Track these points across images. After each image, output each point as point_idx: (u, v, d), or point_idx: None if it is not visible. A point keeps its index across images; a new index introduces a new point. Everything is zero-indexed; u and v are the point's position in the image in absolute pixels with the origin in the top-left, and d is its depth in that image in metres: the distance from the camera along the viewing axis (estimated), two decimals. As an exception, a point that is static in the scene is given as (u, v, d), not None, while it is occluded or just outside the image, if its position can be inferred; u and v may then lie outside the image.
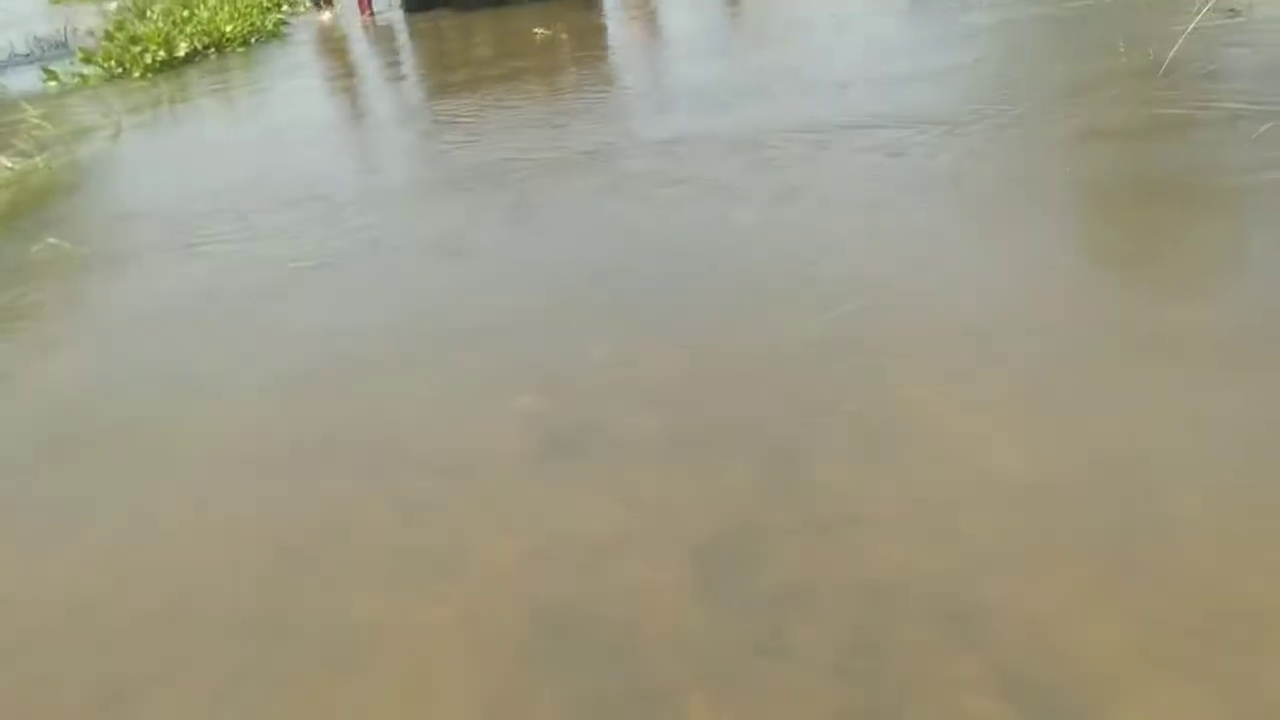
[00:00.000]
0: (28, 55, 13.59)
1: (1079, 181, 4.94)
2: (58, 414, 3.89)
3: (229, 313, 4.65)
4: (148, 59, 10.97)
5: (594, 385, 3.45)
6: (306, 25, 12.81)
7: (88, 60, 11.24)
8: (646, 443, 3.03)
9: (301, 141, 7.63)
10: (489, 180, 5.99)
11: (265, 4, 13.94)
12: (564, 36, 10.40)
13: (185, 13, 12.18)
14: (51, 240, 5.88)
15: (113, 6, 12.53)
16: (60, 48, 13.23)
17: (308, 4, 13.23)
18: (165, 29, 11.54)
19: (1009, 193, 4.84)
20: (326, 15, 12.28)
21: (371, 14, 12.77)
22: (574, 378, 3.52)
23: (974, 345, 3.37)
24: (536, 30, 10.21)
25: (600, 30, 11.03)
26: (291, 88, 9.72)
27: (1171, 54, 5.97)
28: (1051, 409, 2.91)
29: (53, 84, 10.98)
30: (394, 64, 10.62)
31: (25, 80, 11.68)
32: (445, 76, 9.53)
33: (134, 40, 11.25)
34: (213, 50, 11.57)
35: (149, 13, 12.51)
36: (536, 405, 3.37)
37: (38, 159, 7.84)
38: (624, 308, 4.12)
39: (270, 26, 12.45)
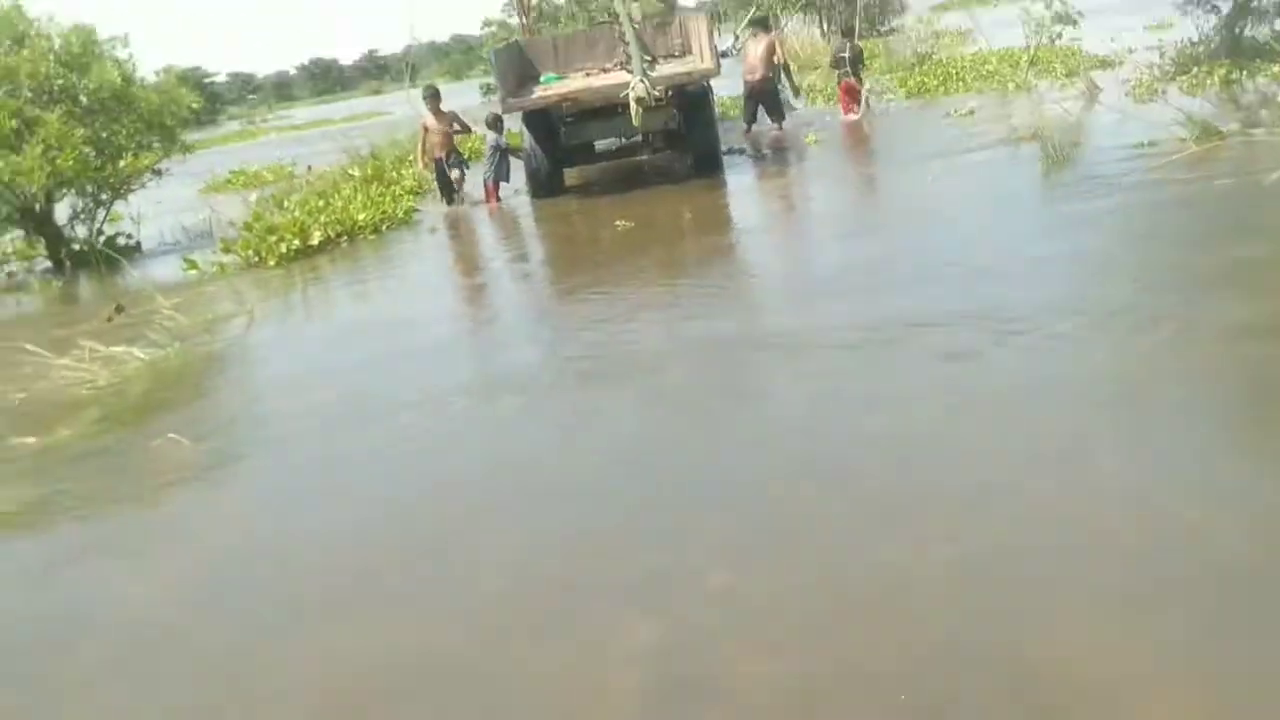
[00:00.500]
0: (175, 244, 14.22)
1: (1246, 387, 4.56)
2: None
3: (330, 549, 4.52)
4: (283, 248, 11.34)
5: (708, 622, 3.18)
6: (436, 211, 13.16)
7: (226, 250, 11.70)
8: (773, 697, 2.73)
9: (424, 338, 7.62)
10: (604, 379, 5.86)
11: (398, 191, 14.44)
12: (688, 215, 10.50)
13: (321, 202, 12.66)
14: (171, 435, 5.90)
15: (253, 198, 13.09)
16: (205, 236, 13.84)
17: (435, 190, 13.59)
18: (301, 218, 11.97)
19: (1169, 398, 4.48)
20: (451, 205, 12.58)
21: (498, 200, 13.08)
22: (687, 612, 3.26)
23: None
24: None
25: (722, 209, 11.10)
26: (417, 277, 9.89)
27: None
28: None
29: (192, 272, 11.45)
30: (519, 256, 10.79)
31: (169, 268, 12.17)
32: (566, 272, 9.60)
33: (270, 230, 11.68)
34: (345, 238, 11.92)
35: (285, 203, 13.02)
36: (647, 642, 3.11)
37: (168, 349, 8.01)
38: (742, 529, 3.86)
39: (401, 214, 12.82)
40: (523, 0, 16.17)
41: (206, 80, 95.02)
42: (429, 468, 5.13)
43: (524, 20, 16.80)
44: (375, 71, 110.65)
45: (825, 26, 32.59)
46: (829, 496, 4.05)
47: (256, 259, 11.44)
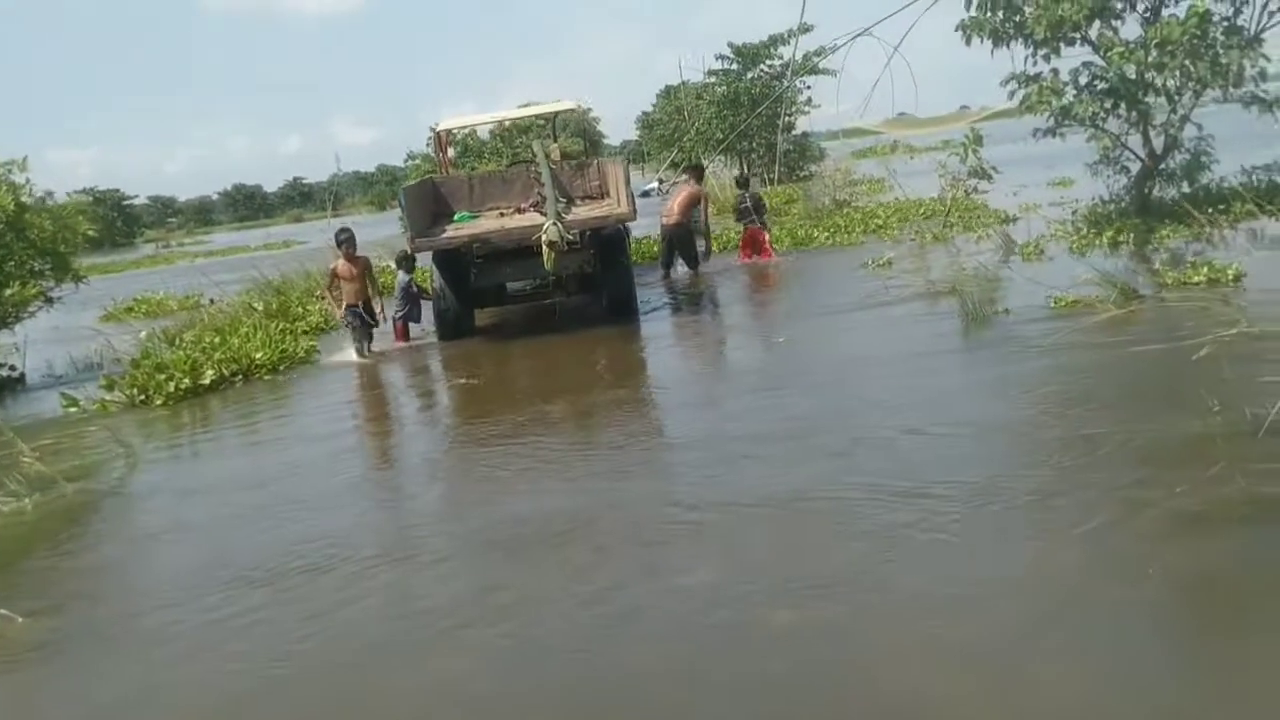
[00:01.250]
0: (60, 377, 13.50)
1: (1185, 589, 4.20)
2: None
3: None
4: (171, 386, 10.72)
5: None
6: (340, 351, 12.64)
7: (110, 386, 11.04)
8: None
9: (309, 493, 7.08)
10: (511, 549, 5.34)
11: (302, 327, 13.90)
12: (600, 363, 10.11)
13: (216, 339, 12.06)
14: (1, 611, 5.22)
15: (143, 334, 12.44)
16: (95, 368, 13.15)
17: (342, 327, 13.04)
18: (193, 356, 11.37)
19: (1101, 601, 4.10)
20: (355, 351, 11.99)
21: (407, 340, 12.62)
22: None
23: None
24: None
25: (635, 358, 10.73)
26: (310, 424, 9.29)
27: (1273, 414, 5.33)
28: None
29: (72, 409, 10.73)
30: (427, 403, 10.30)
31: (51, 403, 11.45)
32: (470, 417, 9.09)
33: (159, 368, 11.06)
34: (240, 377, 11.33)
35: (178, 339, 12.39)
36: None
37: (26, 501, 7.32)
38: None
39: (301, 353, 12.27)
40: (440, 137, 15.92)
41: (125, 203, 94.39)
42: (280, 670, 4.52)
43: (440, 156, 16.56)
44: (298, 199, 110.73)
45: (745, 169, 33.11)
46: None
47: (143, 398, 10.79)
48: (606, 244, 12.47)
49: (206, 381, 11.02)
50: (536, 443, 7.54)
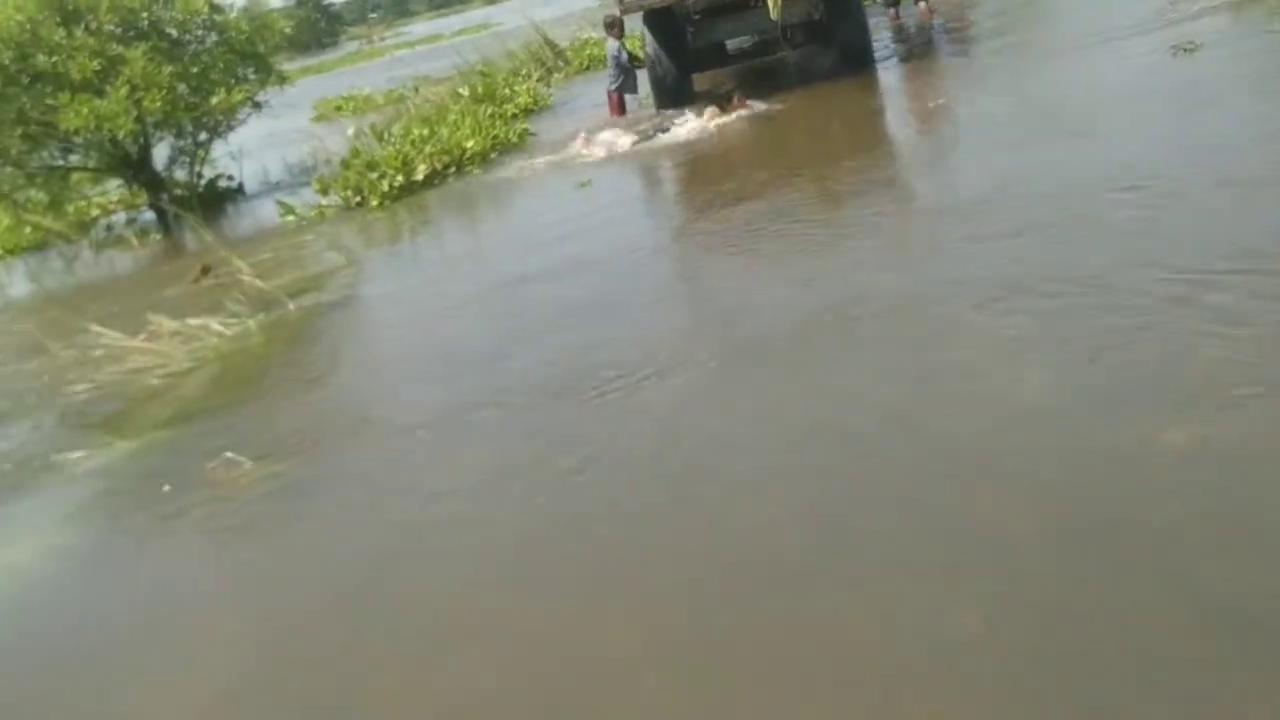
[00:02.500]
0: (277, 183, 13.20)
1: None
2: None
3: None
4: (385, 185, 10.10)
5: None
6: (553, 129, 11.75)
7: (324, 190, 10.52)
8: None
9: (568, 298, 6.18)
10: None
11: (511, 110, 13.05)
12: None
13: (425, 130, 11.30)
14: (228, 454, 4.71)
15: (350, 130, 11.82)
16: (310, 172, 12.69)
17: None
18: (403, 150, 10.69)
19: None
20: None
21: (623, 112, 11.57)
22: None
23: None
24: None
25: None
26: (543, 219, 8.41)
27: None
28: None
29: (289, 218, 10.31)
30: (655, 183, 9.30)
31: (269, 212, 11.10)
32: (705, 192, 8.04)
33: (370, 166, 10.43)
34: (453, 169, 10.60)
35: (386, 134, 11.72)
36: None
37: (250, 322, 6.86)
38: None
39: (514, 138, 11.43)
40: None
41: (326, 2, 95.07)
42: (572, 507, 3.76)
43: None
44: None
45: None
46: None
47: (358, 200, 10.25)
48: (835, -17, 10.89)
49: (419, 177, 10.38)
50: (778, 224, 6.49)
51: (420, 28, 66.53)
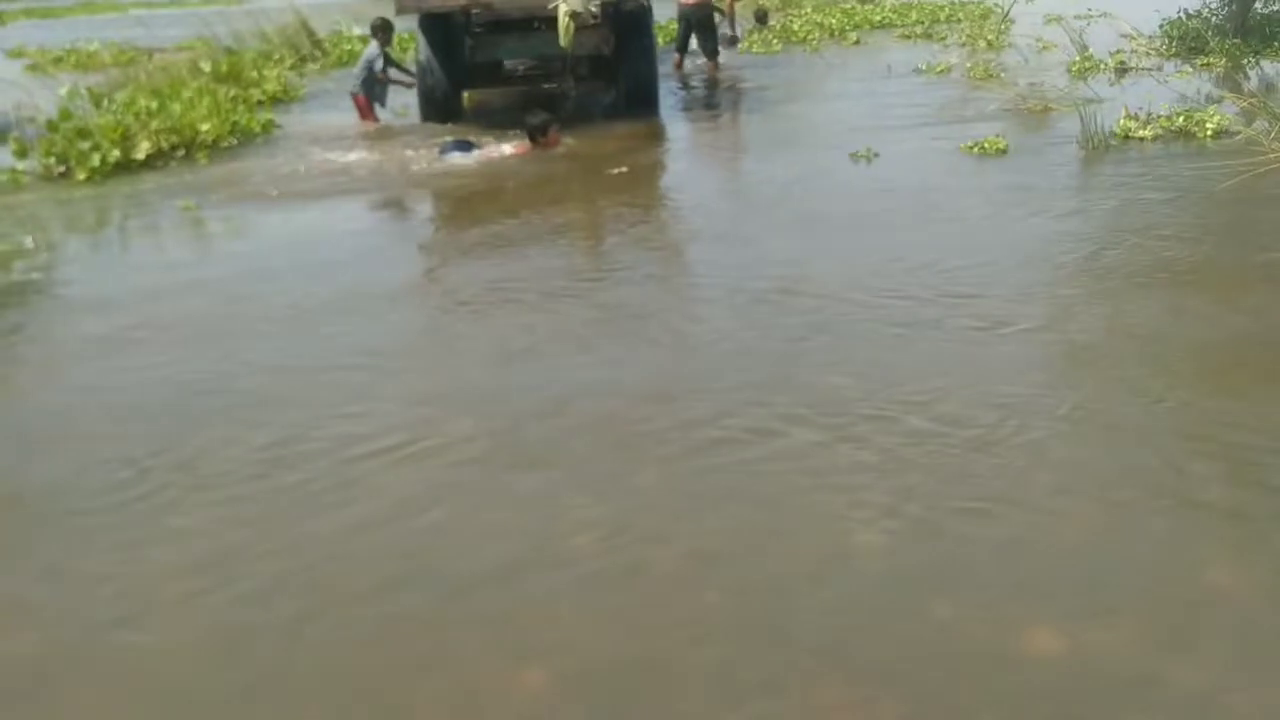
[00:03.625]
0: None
1: None
2: None
3: None
4: (97, 159, 8.73)
5: None
6: (302, 124, 10.66)
7: (22, 153, 9.00)
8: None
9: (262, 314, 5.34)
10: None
11: (258, 97, 11.81)
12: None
13: (154, 103, 9.92)
14: None
15: (64, 91, 10.23)
16: (10, 130, 10.96)
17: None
18: (125, 121, 9.32)
19: None
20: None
21: (375, 119, 10.62)
22: None
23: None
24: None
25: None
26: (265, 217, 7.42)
27: None
28: None
29: (-25, 182, 8.74)
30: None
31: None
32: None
33: (82, 133, 9.03)
34: (181, 151, 9.33)
35: (107, 100, 10.25)
36: None
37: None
38: None
39: (257, 128, 10.25)
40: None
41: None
42: None
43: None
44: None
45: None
46: None
47: (61, 170, 8.81)
48: (628, 21, 10.34)
49: (141, 156, 9.05)
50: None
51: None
